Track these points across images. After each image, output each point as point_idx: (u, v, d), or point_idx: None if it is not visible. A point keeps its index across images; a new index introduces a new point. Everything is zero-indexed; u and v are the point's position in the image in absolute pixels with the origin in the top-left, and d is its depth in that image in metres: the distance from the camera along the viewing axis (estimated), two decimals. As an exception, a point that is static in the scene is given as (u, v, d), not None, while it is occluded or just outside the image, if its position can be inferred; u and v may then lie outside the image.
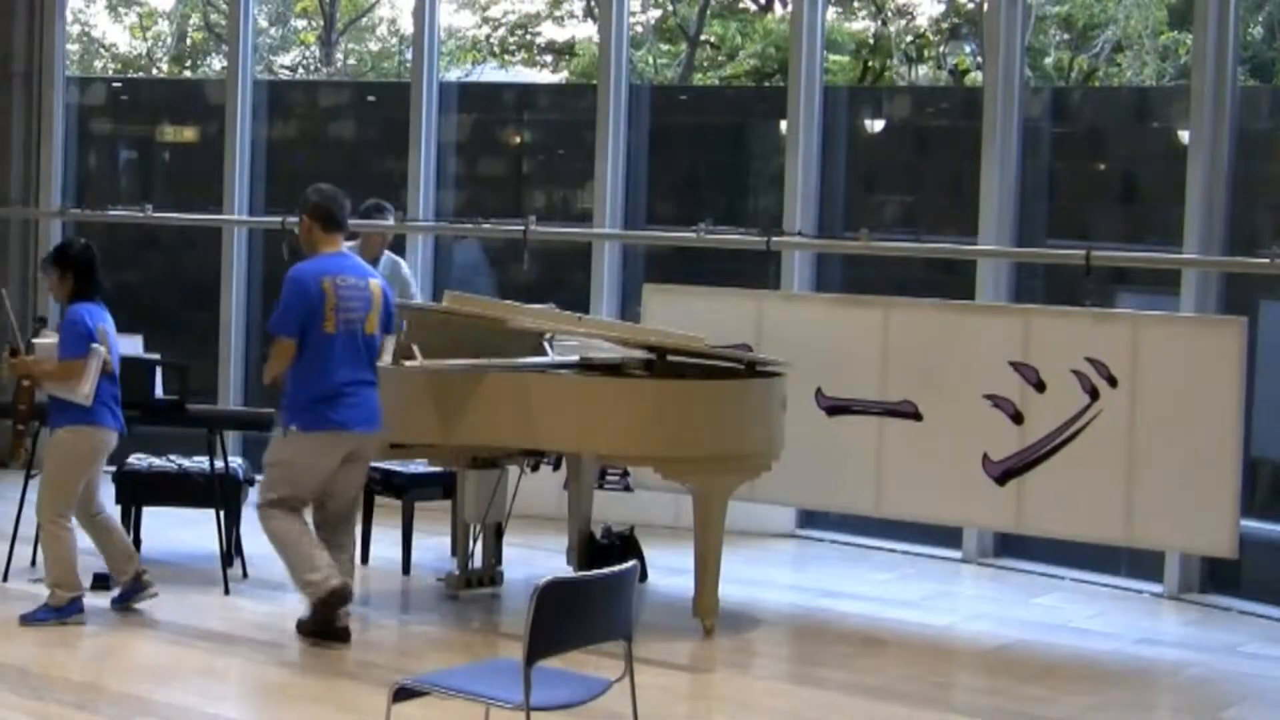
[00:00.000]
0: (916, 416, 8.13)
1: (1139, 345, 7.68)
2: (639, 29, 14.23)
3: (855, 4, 14.76)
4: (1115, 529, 7.80)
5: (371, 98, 13.29)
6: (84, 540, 7.49)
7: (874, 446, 8.17)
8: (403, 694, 4.94)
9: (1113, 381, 7.66)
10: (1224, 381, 7.48)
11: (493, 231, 10.56)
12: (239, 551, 8.35)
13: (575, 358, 8.29)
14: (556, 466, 8.31)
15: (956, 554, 9.27)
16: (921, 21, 15.22)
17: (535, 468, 8.23)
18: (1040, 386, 7.82)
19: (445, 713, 5.47)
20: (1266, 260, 8.02)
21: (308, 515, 7.31)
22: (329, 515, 7.34)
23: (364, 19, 17.20)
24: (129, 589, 7.54)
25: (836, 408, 8.24)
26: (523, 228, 9.75)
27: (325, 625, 7.13)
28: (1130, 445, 7.66)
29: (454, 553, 8.45)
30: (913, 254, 9.72)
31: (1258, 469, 8.80)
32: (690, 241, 9.66)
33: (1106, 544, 8.25)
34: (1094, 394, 7.68)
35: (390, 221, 9.67)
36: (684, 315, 8.41)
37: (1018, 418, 7.87)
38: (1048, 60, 13.32)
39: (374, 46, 17.18)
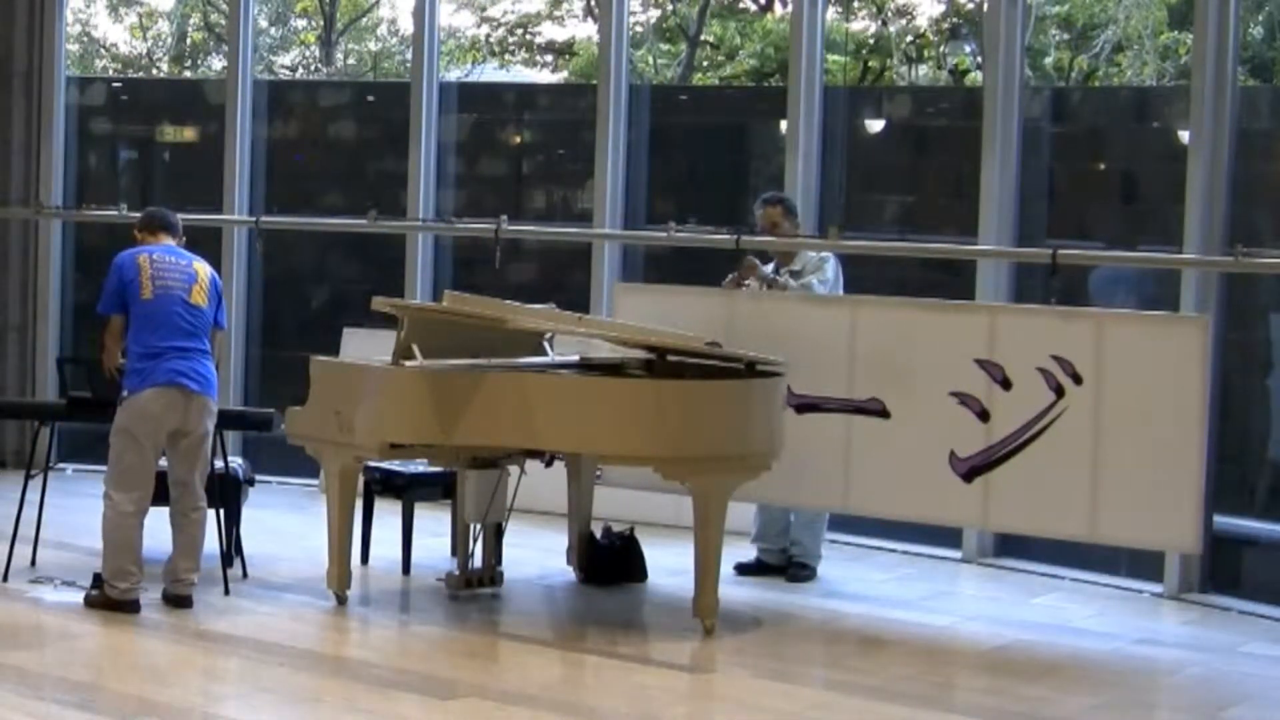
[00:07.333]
0: (884, 414, 8.12)
1: (1104, 343, 7.67)
2: (639, 29, 14.23)
3: (855, 4, 14.76)
4: (1081, 525, 7.80)
5: (371, 98, 13.28)
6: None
7: (842, 443, 8.16)
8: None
9: (1078, 379, 7.65)
10: (1188, 378, 7.47)
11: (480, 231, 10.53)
12: (239, 551, 8.35)
13: (575, 358, 8.29)
14: (549, 463, 8.30)
15: (956, 554, 9.27)
16: (921, 21, 15.23)
17: (549, 463, 8.21)
18: (1006, 384, 7.81)
19: (446, 713, 5.48)
20: (1266, 260, 8.00)
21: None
22: (175, 498, 7.67)
23: (364, 19, 17.21)
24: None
25: (805, 405, 8.22)
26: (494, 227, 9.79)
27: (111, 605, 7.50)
28: (1095, 442, 7.65)
29: (454, 553, 8.45)
30: (909, 254, 9.72)
31: (1278, 471, 8.82)
32: (660, 241, 9.69)
33: (1072, 540, 8.24)
34: (1059, 391, 7.68)
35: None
36: (655, 313, 8.41)
37: (984, 415, 7.86)
38: (1048, 60, 13.32)
39: (374, 46, 17.19)
